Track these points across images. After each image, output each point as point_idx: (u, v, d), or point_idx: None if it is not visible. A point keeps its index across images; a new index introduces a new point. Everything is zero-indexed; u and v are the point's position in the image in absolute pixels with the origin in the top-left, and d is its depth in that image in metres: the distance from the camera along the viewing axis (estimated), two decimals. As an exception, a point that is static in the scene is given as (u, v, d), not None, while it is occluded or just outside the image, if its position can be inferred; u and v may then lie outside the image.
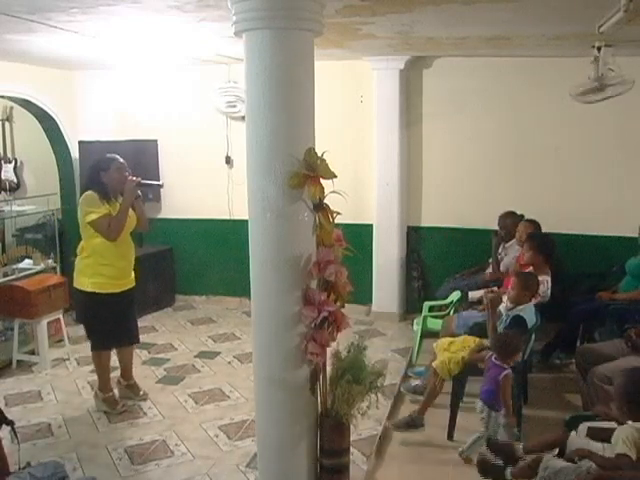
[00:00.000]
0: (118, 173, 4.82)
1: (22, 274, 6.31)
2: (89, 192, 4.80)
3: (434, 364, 4.64)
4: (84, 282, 4.86)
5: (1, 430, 3.54)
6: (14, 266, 6.46)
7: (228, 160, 7.52)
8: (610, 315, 5.40)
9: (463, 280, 6.38)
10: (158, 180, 5.34)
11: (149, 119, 7.63)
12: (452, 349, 4.69)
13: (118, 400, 5.15)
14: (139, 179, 4.87)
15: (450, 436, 4.56)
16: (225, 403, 5.19)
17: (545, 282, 5.13)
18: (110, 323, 4.94)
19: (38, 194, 7.44)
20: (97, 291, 4.82)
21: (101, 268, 4.81)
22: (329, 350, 3.56)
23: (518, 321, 4.49)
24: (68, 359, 6.16)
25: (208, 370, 5.88)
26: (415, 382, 5.39)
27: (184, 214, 7.42)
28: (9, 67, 6.70)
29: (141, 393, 5.31)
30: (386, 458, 4.38)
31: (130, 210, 4.88)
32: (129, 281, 5.03)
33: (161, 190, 6.24)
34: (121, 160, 4.90)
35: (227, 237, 7.54)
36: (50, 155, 7.90)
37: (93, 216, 4.69)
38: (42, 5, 3.93)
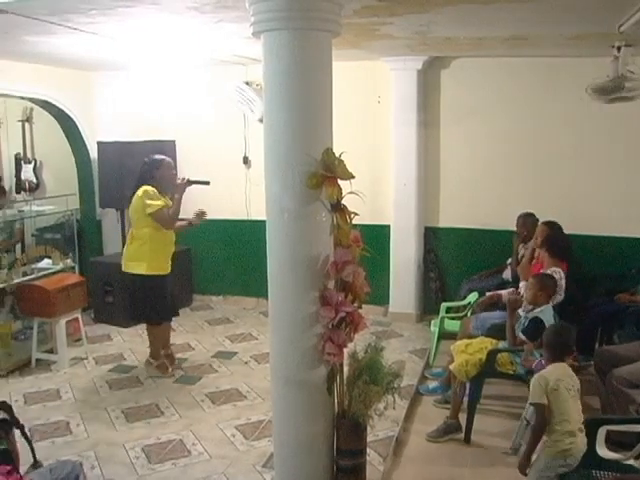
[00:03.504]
0: (169, 170, 5.53)
1: (41, 273, 6.36)
2: (147, 187, 5.41)
3: (451, 367, 4.63)
4: (140, 266, 5.49)
5: (11, 433, 3.56)
6: (33, 265, 6.52)
7: (246, 160, 7.53)
8: (629, 317, 5.36)
9: (481, 281, 6.35)
10: (205, 179, 5.62)
11: (167, 120, 7.66)
12: (469, 351, 4.67)
13: (168, 365, 5.75)
14: (189, 177, 5.50)
15: (467, 438, 4.54)
16: (242, 403, 5.20)
17: (557, 272, 5.05)
18: (165, 300, 5.62)
19: (57, 194, 7.49)
20: (153, 273, 5.48)
21: (153, 254, 5.48)
22: (346, 351, 3.56)
23: (536, 323, 4.46)
24: (86, 358, 6.20)
25: (225, 370, 5.89)
26: (433, 383, 5.38)
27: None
28: (29, 68, 6.76)
29: (176, 362, 5.90)
30: (403, 459, 4.37)
31: None
32: (169, 265, 5.66)
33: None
34: (169, 159, 5.61)
35: (244, 237, 7.55)
36: (69, 155, 7.96)
37: (154, 208, 5.34)
38: (62, 7, 3.97)
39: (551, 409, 3.26)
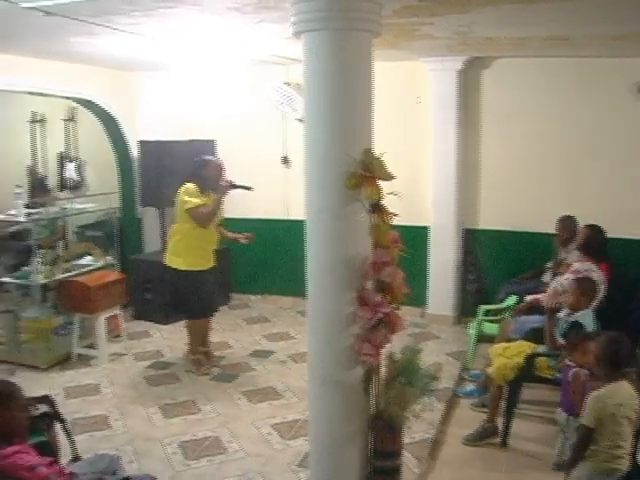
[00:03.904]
0: (215, 170, 5.63)
1: (82, 270, 6.46)
2: (190, 184, 5.55)
3: (489, 371, 4.58)
4: (178, 261, 5.64)
5: (53, 426, 3.63)
6: (75, 262, 6.63)
7: (285, 160, 7.56)
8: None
9: (520, 284, 6.27)
10: (247, 183, 5.72)
11: (208, 119, 7.72)
12: (507, 354, 4.63)
13: (203, 364, 5.84)
14: (232, 180, 5.58)
15: (504, 443, 4.49)
16: (278, 402, 5.22)
17: (595, 272, 4.97)
18: (200, 296, 5.69)
19: (99, 192, 7.60)
20: (189, 269, 5.60)
21: (190, 250, 5.61)
22: (383, 352, 3.55)
23: (576, 327, 4.39)
24: (125, 354, 6.29)
25: (262, 369, 5.92)
26: (470, 386, 5.34)
27: (241, 214, 7.46)
28: (73, 69, 6.87)
29: (214, 360, 6.01)
30: (438, 462, 4.35)
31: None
32: (211, 262, 5.81)
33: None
34: (216, 160, 5.78)
35: (283, 237, 7.57)
36: (111, 154, 8.07)
37: (191, 204, 5.46)
38: (105, 8, 4.03)
39: (601, 432, 3.16)
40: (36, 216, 6.33)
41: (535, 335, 4.80)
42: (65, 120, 8.68)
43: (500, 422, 4.54)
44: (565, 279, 4.93)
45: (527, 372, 4.47)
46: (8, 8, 3.87)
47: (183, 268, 5.62)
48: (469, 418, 4.87)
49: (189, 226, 5.56)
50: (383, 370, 3.66)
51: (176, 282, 5.77)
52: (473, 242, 7.09)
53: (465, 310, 7.06)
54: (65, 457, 3.54)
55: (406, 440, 3.94)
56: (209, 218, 5.51)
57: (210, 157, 5.78)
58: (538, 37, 5.23)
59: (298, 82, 7.10)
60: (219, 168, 5.68)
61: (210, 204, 5.52)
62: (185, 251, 5.63)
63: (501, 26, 4.76)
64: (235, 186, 5.61)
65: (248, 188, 5.72)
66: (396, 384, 3.51)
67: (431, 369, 3.77)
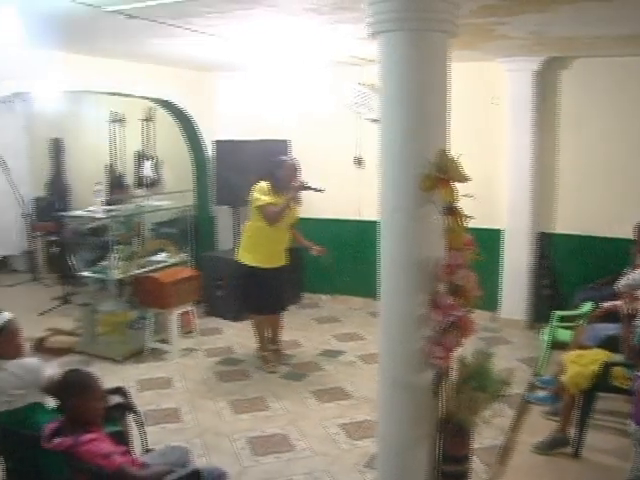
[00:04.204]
0: (289, 171, 5.68)
1: (157, 266, 6.61)
2: (263, 182, 5.67)
3: (562, 379, 4.47)
4: (246, 256, 5.79)
5: (127, 417, 3.72)
6: (150, 258, 6.78)
7: (358, 161, 7.56)
8: None
9: (596, 290, 6.09)
10: (319, 186, 5.76)
11: (282, 119, 7.79)
12: (582, 362, 4.50)
13: (270, 361, 5.94)
14: (305, 182, 5.67)
15: (576, 454, 4.37)
16: (346, 402, 5.23)
17: None
18: (264, 293, 5.78)
19: (174, 190, 7.76)
20: (255, 265, 5.73)
21: (257, 247, 5.74)
22: (454, 355, 3.51)
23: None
24: (197, 349, 6.41)
25: (331, 369, 5.94)
26: (542, 393, 5.23)
27: (314, 213, 7.50)
28: (151, 69, 7.05)
29: (284, 358, 6.11)
30: (507, 469, 4.27)
31: (295, 208, 5.79)
32: (281, 261, 5.87)
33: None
34: (292, 161, 5.82)
35: (355, 237, 7.58)
36: (187, 153, 8.23)
37: (260, 202, 5.57)
38: (184, 11, 4.13)
39: None
40: (114, 213, 6.51)
41: (611, 343, 4.66)
42: (143, 120, 8.89)
43: (573, 432, 4.42)
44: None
45: (602, 381, 4.34)
46: (92, 12, 4.00)
47: (249, 264, 5.76)
48: (540, 426, 4.76)
49: (260, 224, 5.65)
50: (454, 374, 3.62)
51: (242, 277, 5.89)
52: (548, 246, 6.94)
53: (538, 315, 6.91)
54: (136, 448, 3.62)
55: (475, 445, 3.87)
56: (278, 217, 5.57)
57: (286, 157, 5.84)
58: (616, 36, 5.08)
59: (372, 82, 7.09)
60: (293, 169, 5.73)
61: (280, 203, 5.57)
62: (253, 247, 5.76)
63: (578, 25, 4.65)
64: (307, 187, 5.66)
65: (319, 190, 5.75)
66: (467, 388, 3.46)
67: (503, 374, 3.70)
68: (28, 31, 3.87)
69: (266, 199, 5.57)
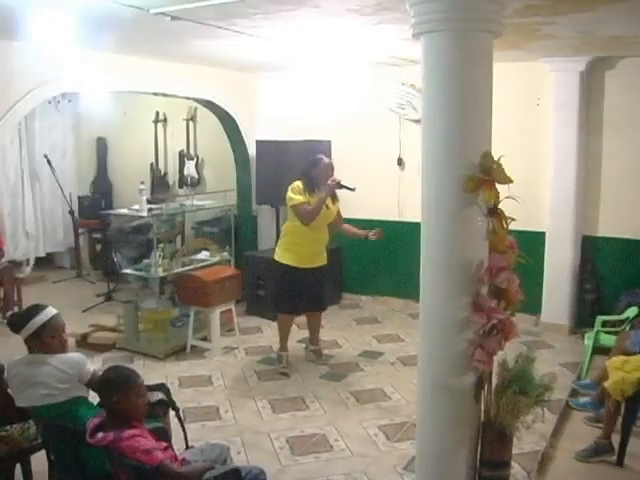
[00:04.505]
0: (323, 170, 5.64)
1: (199, 265, 6.67)
2: (297, 182, 5.67)
3: (606, 385, 4.38)
4: (280, 255, 5.79)
5: (168, 413, 3.76)
6: (192, 257, 6.86)
7: (400, 162, 7.53)
8: None
9: (642, 295, 5.98)
10: (351, 184, 5.72)
11: (324, 120, 7.78)
12: (626, 368, 4.40)
13: (283, 361, 5.95)
14: (339, 180, 5.60)
15: (620, 462, 4.28)
16: (386, 404, 5.21)
17: None
18: (294, 293, 5.77)
19: (216, 190, 7.82)
20: (288, 264, 5.72)
21: (293, 246, 5.73)
22: (495, 359, 3.47)
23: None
24: (237, 348, 6.45)
25: (371, 369, 5.92)
26: (584, 398, 5.14)
27: (354, 214, 7.48)
28: (195, 70, 7.12)
29: (323, 358, 6.10)
30: (548, 476, 4.18)
31: (332, 206, 5.77)
32: (319, 261, 5.86)
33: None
34: (327, 160, 5.77)
35: (396, 238, 7.52)
36: (229, 153, 8.29)
37: (294, 201, 5.57)
38: (229, 12, 4.16)
39: None
40: (157, 211, 6.57)
41: (657, 349, 4.57)
42: (186, 120, 8.98)
43: (616, 439, 4.33)
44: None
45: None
46: (139, 14, 4.06)
47: (280, 260, 5.77)
48: (583, 433, 4.67)
49: (297, 224, 5.64)
50: (495, 377, 3.58)
51: (278, 276, 5.91)
52: (592, 249, 6.82)
53: (581, 320, 6.80)
54: (176, 444, 3.66)
55: (515, 451, 3.81)
56: (312, 215, 5.54)
57: (321, 156, 5.80)
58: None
59: (412, 83, 7.07)
60: (328, 168, 5.69)
61: (314, 202, 5.57)
62: (286, 245, 5.77)
63: (629, 23, 4.54)
64: (340, 186, 5.64)
65: (352, 189, 5.72)
66: (508, 393, 3.41)
67: (545, 379, 3.64)
68: (76, 32, 3.93)
69: (300, 198, 5.57)
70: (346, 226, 6.01)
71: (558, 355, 6.19)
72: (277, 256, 5.82)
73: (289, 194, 5.63)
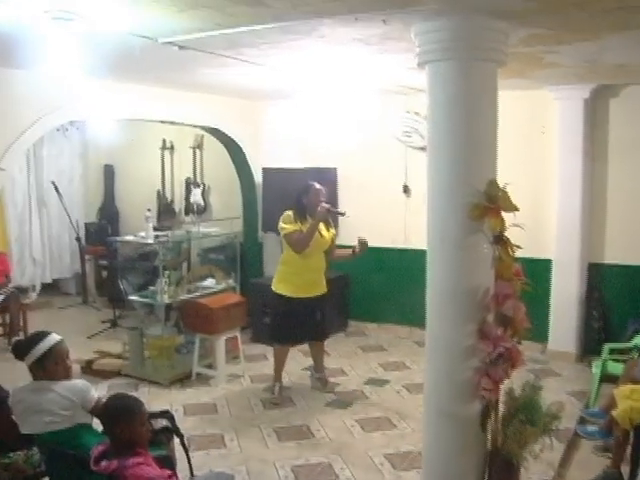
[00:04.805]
0: (314, 197, 5.57)
1: (205, 292, 6.66)
2: (288, 211, 5.64)
3: (614, 413, 4.34)
4: (277, 285, 5.74)
5: (172, 440, 3.74)
6: (198, 284, 6.85)
7: (406, 189, 7.53)
8: None
9: (649, 323, 5.94)
10: (341, 209, 5.85)
11: (329, 147, 7.82)
12: (634, 397, 4.36)
13: (276, 393, 5.86)
14: (328, 206, 5.54)
15: (630, 491, 4.23)
16: (392, 432, 5.17)
17: None
18: (291, 323, 5.71)
19: (222, 217, 7.84)
20: (285, 294, 5.66)
21: (289, 276, 5.68)
22: (502, 387, 3.45)
23: None
24: (242, 376, 6.42)
25: (377, 397, 5.88)
26: (592, 427, 5.08)
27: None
28: (201, 98, 7.18)
29: (329, 385, 6.06)
30: (558, 506, 4.15)
31: (326, 232, 5.70)
32: (315, 290, 5.74)
33: (339, 217, 6.41)
34: (318, 186, 5.66)
35: (401, 266, 7.53)
36: (235, 180, 8.33)
37: (285, 230, 5.54)
38: (237, 41, 4.20)
39: None
40: (163, 238, 6.57)
41: (666, 377, 4.53)
42: (192, 147, 9.03)
43: (625, 469, 4.28)
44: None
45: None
46: (147, 43, 4.11)
47: (276, 290, 5.73)
48: (591, 462, 4.61)
49: (290, 253, 5.61)
50: (501, 406, 3.55)
51: (274, 306, 5.89)
52: (598, 277, 6.79)
53: (588, 348, 6.75)
54: (180, 472, 3.63)
55: (523, 480, 3.80)
56: (303, 243, 5.48)
57: (312, 183, 5.71)
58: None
59: (417, 111, 7.11)
60: (319, 194, 5.61)
61: (303, 230, 5.52)
62: (282, 275, 5.73)
63: (634, 51, 4.56)
64: (330, 211, 5.59)
65: (342, 214, 5.74)
66: (515, 421, 3.39)
67: (552, 407, 3.62)
68: (84, 61, 3.97)
69: (290, 227, 5.53)
70: (336, 252, 5.95)
71: (565, 383, 6.15)
72: (274, 286, 5.77)
73: (280, 224, 5.60)
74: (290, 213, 5.61)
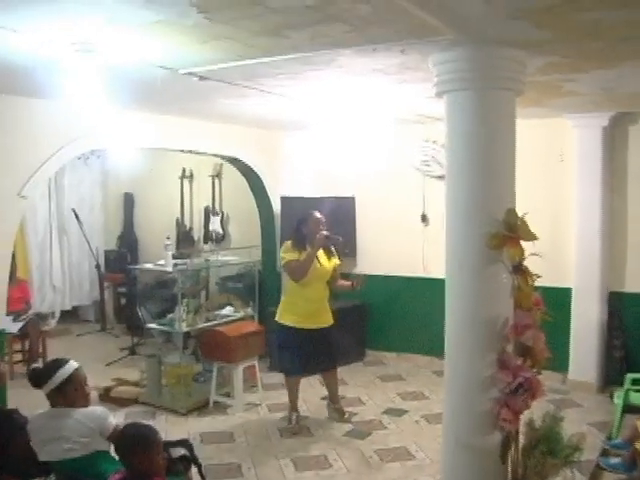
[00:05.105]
0: (313, 225, 5.55)
1: (223, 320, 6.66)
2: (288, 241, 5.69)
3: (638, 445, 4.28)
4: (279, 315, 5.72)
5: (190, 469, 3.73)
6: (216, 312, 6.86)
7: (424, 218, 7.52)
8: None
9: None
10: (339, 236, 5.67)
11: (347, 176, 7.85)
12: (658, 428, 4.31)
13: (293, 422, 5.81)
14: (327, 233, 5.51)
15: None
16: (410, 463, 5.11)
17: None
18: (294, 354, 5.66)
19: (241, 245, 7.86)
20: (287, 324, 5.63)
21: (290, 306, 5.65)
22: (522, 418, 3.41)
23: None
24: (260, 404, 6.39)
25: (395, 427, 5.83)
26: (614, 459, 5.00)
27: (378, 270, 7.47)
28: (221, 128, 7.25)
29: (346, 416, 5.96)
30: (579, 541, 4.07)
31: (327, 262, 5.63)
32: (319, 321, 5.67)
33: (357, 245, 6.39)
34: (317, 215, 5.64)
35: (420, 295, 7.49)
36: (254, 209, 8.37)
37: (284, 260, 5.55)
38: (256, 72, 4.26)
39: None
40: (182, 266, 6.60)
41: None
42: (212, 176, 9.11)
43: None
44: None
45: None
46: (168, 74, 4.17)
47: (279, 320, 5.71)
48: (615, 495, 4.55)
49: (292, 283, 5.59)
50: (521, 437, 3.51)
51: (278, 336, 5.84)
52: (619, 305, 6.72)
53: (610, 378, 6.65)
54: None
55: (545, 514, 3.73)
56: (300, 271, 5.43)
57: (311, 212, 5.70)
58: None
59: (435, 140, 7.13)
60: (319, 222, 5.58)
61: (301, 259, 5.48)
62: (284, 306, 5.71)
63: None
64: (328, 238, 5.52)
65: (337, 239, 5.66)
66: (536, 453, 3.35)
67: (574, 439, 3.57)
68: (106, 91, 4.04)
69: (288, 256, 5.51)
70: (339, 282, 5.87)
71: (587, 414, 6.05)
72: (277, 316, 5.75)
73: (280, 254, 5.64)
74: (288, 242, 5.65)
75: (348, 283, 5.82)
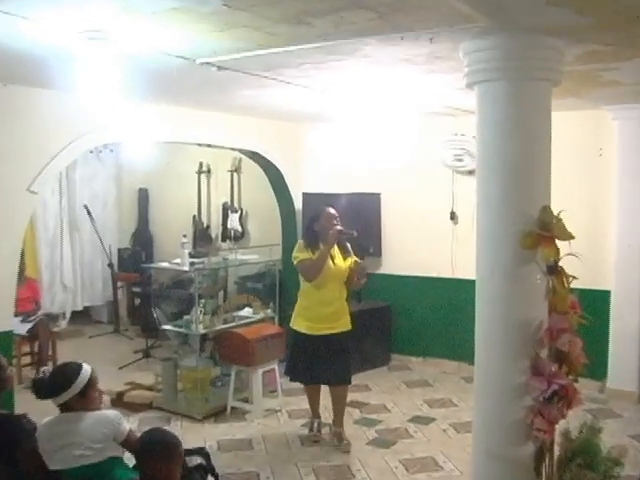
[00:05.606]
0: (327, 221, 5.42)
1: (242, 322, 6.68)
2: (300, 240, 5.64)
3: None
4: (293, 320, 5.65)
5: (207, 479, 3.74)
6: (234, 313, 6.88)
7: (453, 216, 7.48)
8: None
9: None
10: (353, 231, 5.53)
11: (372, 172, 7.85)
12: None
13: (314, 430, 5.78)
14: (340, 229, 5.39)
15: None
16: (437, 474, 5.09)
17: None
18: (304, 362, 5.54)
19: (260, 244, 7.86)
20: (299, 330, 5.54)
21: (303, 310, 5.56)
22: (557, 428, 3.39)
23: None
24: (280, 411, 6.40)
25: (421, 436, 5.81)
26: (657, 475, 4.95)
27: (404, 270, 7.46)
28: (239, 120, 7.27)
29: (344, 443, 5.56)
30: None
31: (341, 261, 5.48)
32: (335, 326, 5.47)
33: (382, 244, 6.35)
34: (330, 210, 5.51)
35: (448, 296, 7.46)
36: (274, 206, 8.38)
37: (296, 259, 5.45)
38: (277, 62, 4.27)
39: None
40: (199, 266, 6.61)
41: None
42: (230, 171, 9.12)
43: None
44: None
45: None
46: (185, 64, 4.19)
47: (292, 326, 5.64)
48: (657, 511, 4.50)
49: (304, 284, 5.52)
50: (557, 449, 3.49)
51: (291, 342, 5.80)
52: (662, 310, 6.65)
53: (652, 387, 6.60)
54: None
55: (582, 530, 3.70)
56: (313, 270, 5.32)
57: (324, 207, 5.56)
58: None
59: (464, 133, 7.09)
60: (332, 218, 5.43)
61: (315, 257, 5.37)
62: (297, 310, 5.62)
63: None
64: (341, 233, 5.39)
65: (351, 234, 5.55)
66: (572, 466, 3.33)
67: (613, 452, 3.54)
68: (120, 83, 4.07)
69: (300, 255, 5.41)
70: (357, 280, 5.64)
71: (627, 425, 5.99)
72: (291, 322, 5.67)
73: (293, 254, 5.51)
74: (300, 242, 5.58)
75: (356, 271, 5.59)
